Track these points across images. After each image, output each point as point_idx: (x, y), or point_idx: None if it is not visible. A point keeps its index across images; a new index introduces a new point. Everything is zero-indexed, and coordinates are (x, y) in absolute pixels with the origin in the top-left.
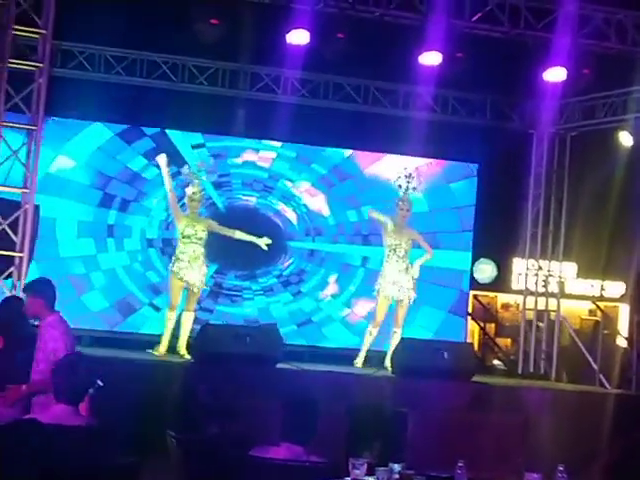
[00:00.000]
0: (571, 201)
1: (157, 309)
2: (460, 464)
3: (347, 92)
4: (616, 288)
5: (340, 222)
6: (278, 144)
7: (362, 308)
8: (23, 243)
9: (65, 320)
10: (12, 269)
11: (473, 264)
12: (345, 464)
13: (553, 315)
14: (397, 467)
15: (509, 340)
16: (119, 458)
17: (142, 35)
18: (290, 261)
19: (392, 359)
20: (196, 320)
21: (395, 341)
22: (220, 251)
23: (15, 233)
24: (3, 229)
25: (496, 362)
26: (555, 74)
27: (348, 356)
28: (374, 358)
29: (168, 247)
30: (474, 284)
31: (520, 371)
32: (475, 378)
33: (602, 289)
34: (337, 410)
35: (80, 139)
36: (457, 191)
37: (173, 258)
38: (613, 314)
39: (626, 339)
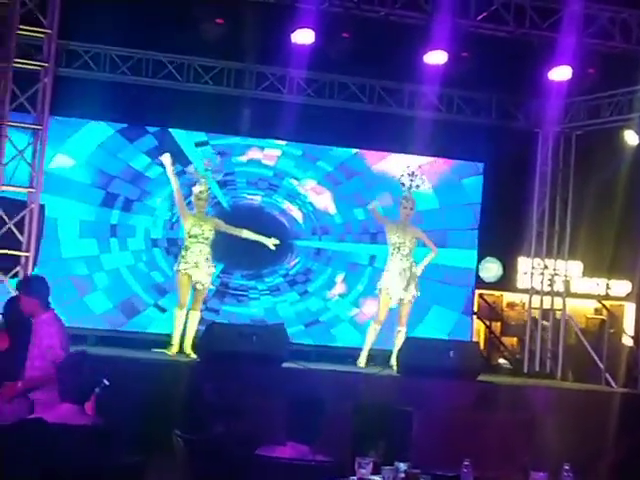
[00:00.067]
0: (577, 200)
1: (162, 310)
2: (466, 463)
3: (352, 91)
4: (622, 287)
5: (347, 220)
6: (283, 142)
7: (370, 308)
8: (29, 243)
9: (60, 318)
10: (18, 268)
11: (479, 263)
12: (351, 463)
13: (559, 314)
14: (403, 466)
15: (515, 339)
16: (125, 457)
17: (147, 35)
18: (296, 260)
19: (397, 358)
20: (202, 321)
21: (400, 340)
22: (226, 250)
23: (21, 233)
24: (9, 229)
25: (502, 361)
26: (560, 73)
27: (355, 355)
28: (379, 357)
29: (173, 247)
30: (480, 283)
31: (526, 370)
32: (481, 377)
33: (608, 288)
34: (343, 409)
35: (79, 137)
36: (469, 186)
37: (179, 257)
38: (619, 313)
39: (632, 338)
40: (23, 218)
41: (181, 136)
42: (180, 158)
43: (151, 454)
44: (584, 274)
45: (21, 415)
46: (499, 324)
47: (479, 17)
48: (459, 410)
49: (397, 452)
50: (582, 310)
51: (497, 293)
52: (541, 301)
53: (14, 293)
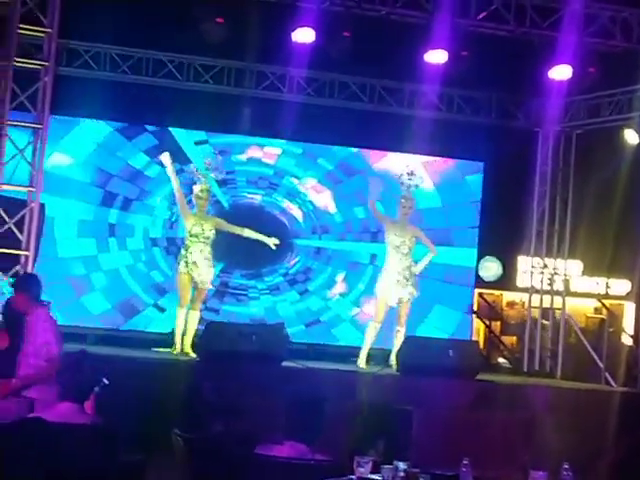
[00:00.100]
0: (576, 199)
1: (162, 310)
2: (465, 462)
3: (353, 91)
4: (621, 286)
5: (348, 219)
6: (283, 140)
7: (371, 307)
8: (29, 242)
9: (52, 315)
10: (18, 267)
11: (478, 262)
12: (350, 462)
13: (558, 313)
14: (402, 465)
15: (514, 338)
16: (124, 456)
17: (147, 34)
18: (296, 259)
19: (397, 357)
20: (202, 320)
21: (399, 339)
22: (225, 249)
23: (21, 232)
24: (9, 228)
25: (501, 360)
26: (560, 72)
27: (356, 355)
28: (379, 356)
29: (173, 246)
30: (479, 282)
31: (525, 369)
32: (480, 376)
33: (607, 287)
34: (342, 408)
35: (76, 135)
36: (473, 184)
37: (180, 257)
38: (618, 312)
39: (631, 337)
40: (23, 217)
41: (180, 134)
42: (179, 157)
43: (150, 453)
44: (584, 273)
45: (21, 414)
46: (499, 323)
47: (479, 16)
48: (459, 409)
49: (397, 451)
50: (582, 309)
51: (497, 292)
52: (541, 300)
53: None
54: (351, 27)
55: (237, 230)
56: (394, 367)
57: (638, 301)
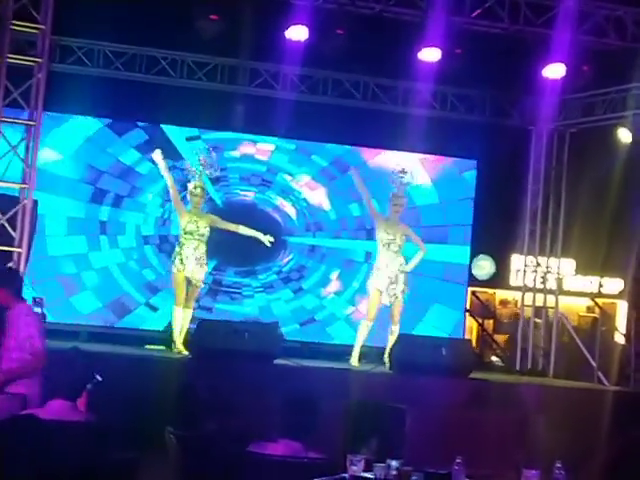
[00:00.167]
0: (570, 198)
1: (154, 309)
2: (458, 460)
3: (346, 88)
4: (614, 285)
5: (342, 216)
6: (277, 137)
7: (367, 305)
8: (22, 238)
9: (34, 310)
10: (11, 264)
11: (471, 260)
12: (343, 460)
13: (551, 312)
14: (395, 463)
15: (507, 336)
16: (117, 454)
17: (141, 31)
18: (289, 257)
19: (390, 355)
20: (194, 320)
21: (392, 337)
22: (218, 247)
23: (14, 228)
24: (2, 224)
25: (494, 358)
26: (554, 70)
27: (350, 353)
28: (372, 354)
29: (165, 244)
30: (472, 280)
31: (518, 368)
32: (473, 375)
33: (600, 286)
34: (335, 406)
35: (65, 130)
36: (470, 180)
37: (174, 254)
38: (611, 311)
39: (624, 336)
40: (16, 214)
41: (172, 130)
42: (171, 153)
43: (143, 451)
44: (577, 272)
45: (13, 411)
46: (491, 321)
47: (473, 14)
48: (452, 408)
49: (390, 449)
50: (575, 308)
51: (490, 290)
52: (533, 299)
53: None
54: (345, 25)
55: (232, 227)
56: (387, 365)
57: (630, 300)
